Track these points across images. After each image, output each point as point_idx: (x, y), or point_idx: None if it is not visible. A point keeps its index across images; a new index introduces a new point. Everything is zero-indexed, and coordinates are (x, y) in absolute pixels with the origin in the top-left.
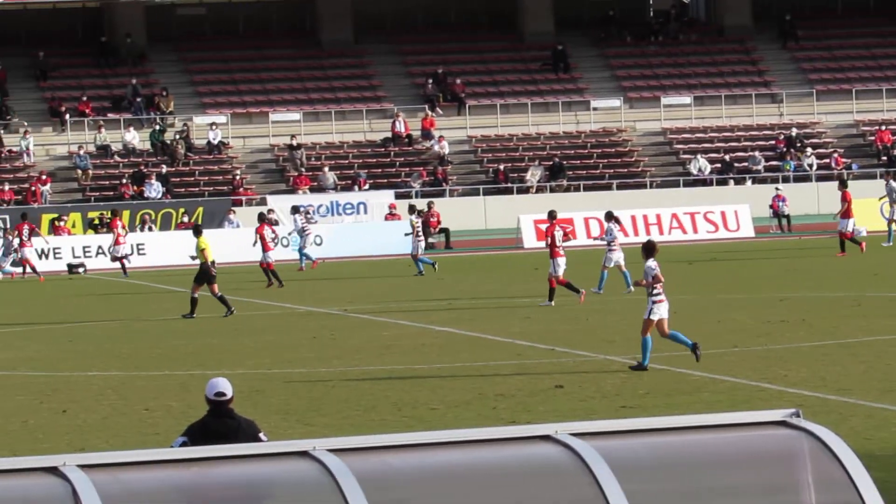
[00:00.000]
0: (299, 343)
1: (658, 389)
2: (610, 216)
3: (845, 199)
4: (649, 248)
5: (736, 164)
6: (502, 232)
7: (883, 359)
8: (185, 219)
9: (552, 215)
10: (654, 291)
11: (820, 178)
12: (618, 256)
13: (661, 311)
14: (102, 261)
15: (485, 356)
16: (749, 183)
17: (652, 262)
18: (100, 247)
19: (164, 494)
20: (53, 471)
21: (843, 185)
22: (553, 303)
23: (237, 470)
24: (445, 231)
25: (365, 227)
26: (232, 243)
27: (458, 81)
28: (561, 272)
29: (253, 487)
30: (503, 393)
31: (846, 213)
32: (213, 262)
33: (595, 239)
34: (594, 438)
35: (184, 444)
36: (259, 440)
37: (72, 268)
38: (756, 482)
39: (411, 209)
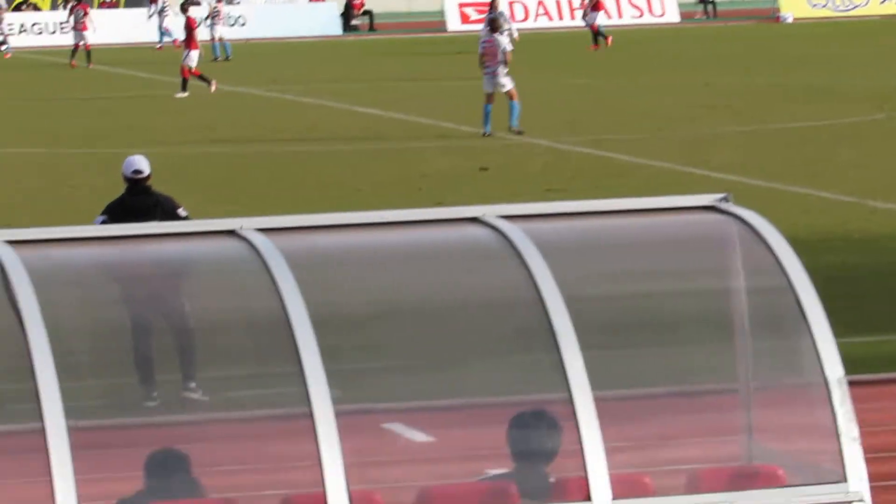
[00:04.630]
0: (222, 122)
1: (584, 173)
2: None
3: None
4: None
5: None
6: (426, 15)
7: (808, 145)
8: None
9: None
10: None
11: None
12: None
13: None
14: (25, 38)
15: (410, 138)
16: None
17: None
18: (22, 24)
19: (91, 270)
20: None
21: None
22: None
23: (163, 248)
24: (369, 13)
25: (290, 8)
26: (153, 23)
27: None
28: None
29: (179, 265)
30: (428, 174)
31: None
32: None
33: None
34: (522, 221)
35: (104, 223)
36: (178, 216)
37: None
38: (685, 267)
39: None
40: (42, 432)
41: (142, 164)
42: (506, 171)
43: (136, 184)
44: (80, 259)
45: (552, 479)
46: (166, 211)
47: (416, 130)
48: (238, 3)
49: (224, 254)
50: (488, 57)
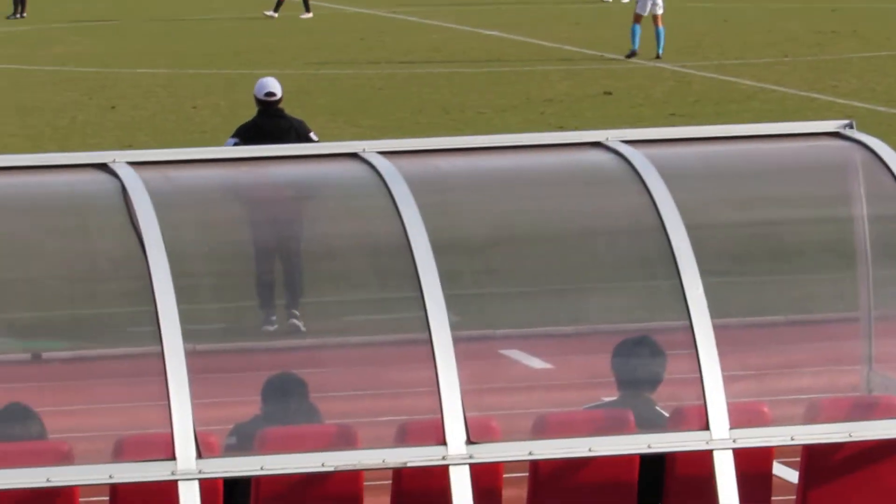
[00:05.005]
0: (348, 44)
1: (707, 98)
2: None
3: None
4: None
5: None
6: None
7: None
8: None
9: None
10: None
11: None
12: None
13: (643, 5)
14: None
15: (533, 61)
16: None
17: None
18: None
19: (213, 193)
20: (103, 167)
21: None
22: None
23: (286, 170)
24: None
25: None
26: None
27: None
28: None
29: (302, 187)
30: (551, 98)
31: None
32: None
33: None
34: (645, 146)
35: (235, 146)
36: (310, 140)
37: None
38: (807, 193)
39: None
40: (160, 356)
41: (274, 86)
42: (629, 96)
43: (269, 106)
44: (201, 181)
45: (668, 407)
46: (300, 134)
47: (539, 53)
48: None
49: (346, 176)
50: None
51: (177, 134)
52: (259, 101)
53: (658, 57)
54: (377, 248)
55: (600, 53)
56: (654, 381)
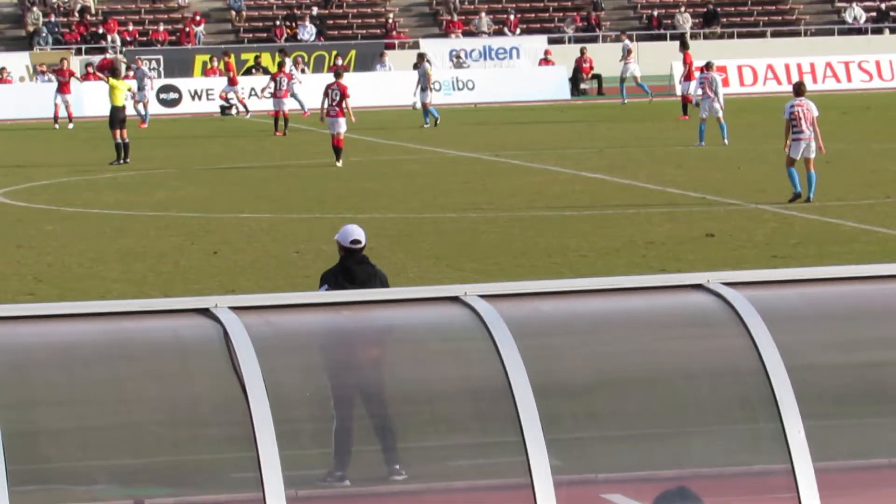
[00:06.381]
0: (450, 188)
1: (810, 239)
2: (708, 66)
3: None
4: (795, 88)
5: (892, 13)
6: (654, 79)
7: None
8: (338, 61)
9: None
10: (794, 129)
11: None
12: (712, 107)
13: (796, 149)
14: (255, 102)
15: (635, 203)
16: None
17: (790, 102)
18: (252, 89)
19: (315, 337)
20: (205, 312)
21: None
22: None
23: (388, 314)
24: (598, 77)
25: (519, 72)
26: (384, 86)
27: None
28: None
29: (404, 331)
30: (653, 241)
31: None
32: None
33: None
34: (746, 288)
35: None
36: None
37: (224, 109)
38: None
39: (420, 57)
40: (262, 502)
41: (360, 233)
42: (731, 238)
43: (354, 253)
44: (304, 325)
45: None
46: (383, 283)
47: (642, 196)
48: (468, 66)
49: (448, 320)
50: (799, 121)
51: (279, 278)
52: (344, 249)
53: (808, 200)
54: (478, 391)
55: (702, 196)
56: None
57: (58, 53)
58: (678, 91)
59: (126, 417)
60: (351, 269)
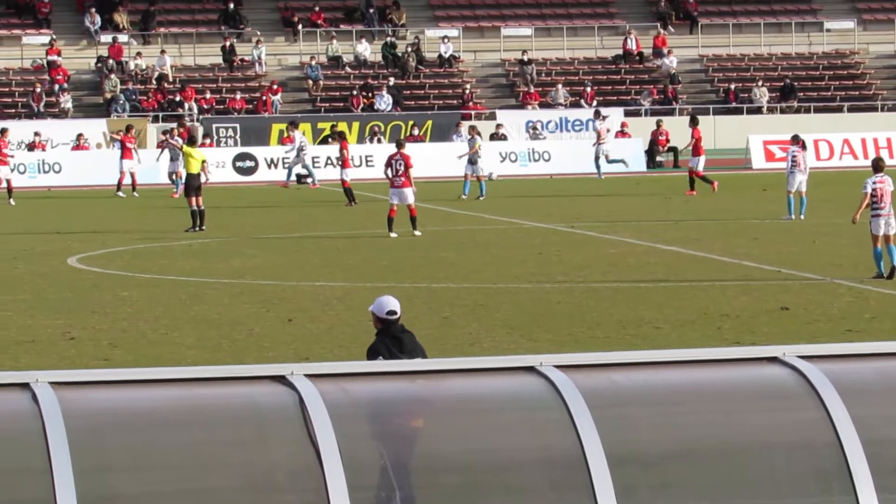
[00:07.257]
0: (525, 258)
1: (885, 314)
2: (795, 139)
3: None
4: (874, 164)
5: None
6: (731, 152)
7: None
8: (415, 131)
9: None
10: (874, 206)
11: None
12: (800, 179)
13: (877, 226)
14: (330, 171)
15: (710, 276)
16: None
17: (871, 178)
18: (328, 157)
19: (390, 406)
20: (281, 379)
21: None
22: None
23: (462, 383)
24: (674, 150)
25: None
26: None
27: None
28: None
29: (480, 400)
30: (728, 313)
31: None
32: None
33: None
34: (822, 361)
35: None
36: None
37: (300, 178)
38: None
39: (472, 129)
40: None
41: (395, 304)
42: (806, 312)
43: (391, 325)
44: (379, 393)
45: None
46: (423, 354)
47: (717, 269)
48: (544, 138)
49: (523, 390)
50: (881, 198)
51: (353, 346)
52: (381, 321)
53: (890, 277)
54: (553, 460)
55: (777, 269)
56: None
57: (135, 121)
58: (753, 164)
59: (202, 483)
60: (399, 338)
